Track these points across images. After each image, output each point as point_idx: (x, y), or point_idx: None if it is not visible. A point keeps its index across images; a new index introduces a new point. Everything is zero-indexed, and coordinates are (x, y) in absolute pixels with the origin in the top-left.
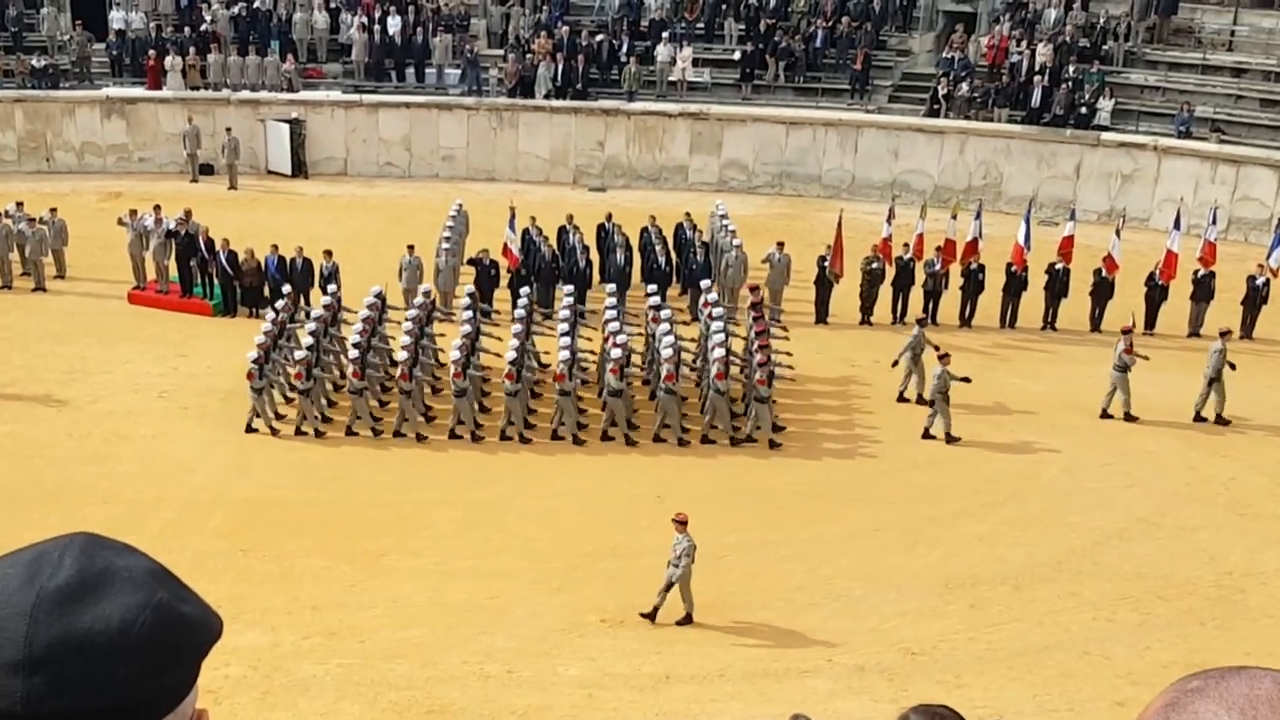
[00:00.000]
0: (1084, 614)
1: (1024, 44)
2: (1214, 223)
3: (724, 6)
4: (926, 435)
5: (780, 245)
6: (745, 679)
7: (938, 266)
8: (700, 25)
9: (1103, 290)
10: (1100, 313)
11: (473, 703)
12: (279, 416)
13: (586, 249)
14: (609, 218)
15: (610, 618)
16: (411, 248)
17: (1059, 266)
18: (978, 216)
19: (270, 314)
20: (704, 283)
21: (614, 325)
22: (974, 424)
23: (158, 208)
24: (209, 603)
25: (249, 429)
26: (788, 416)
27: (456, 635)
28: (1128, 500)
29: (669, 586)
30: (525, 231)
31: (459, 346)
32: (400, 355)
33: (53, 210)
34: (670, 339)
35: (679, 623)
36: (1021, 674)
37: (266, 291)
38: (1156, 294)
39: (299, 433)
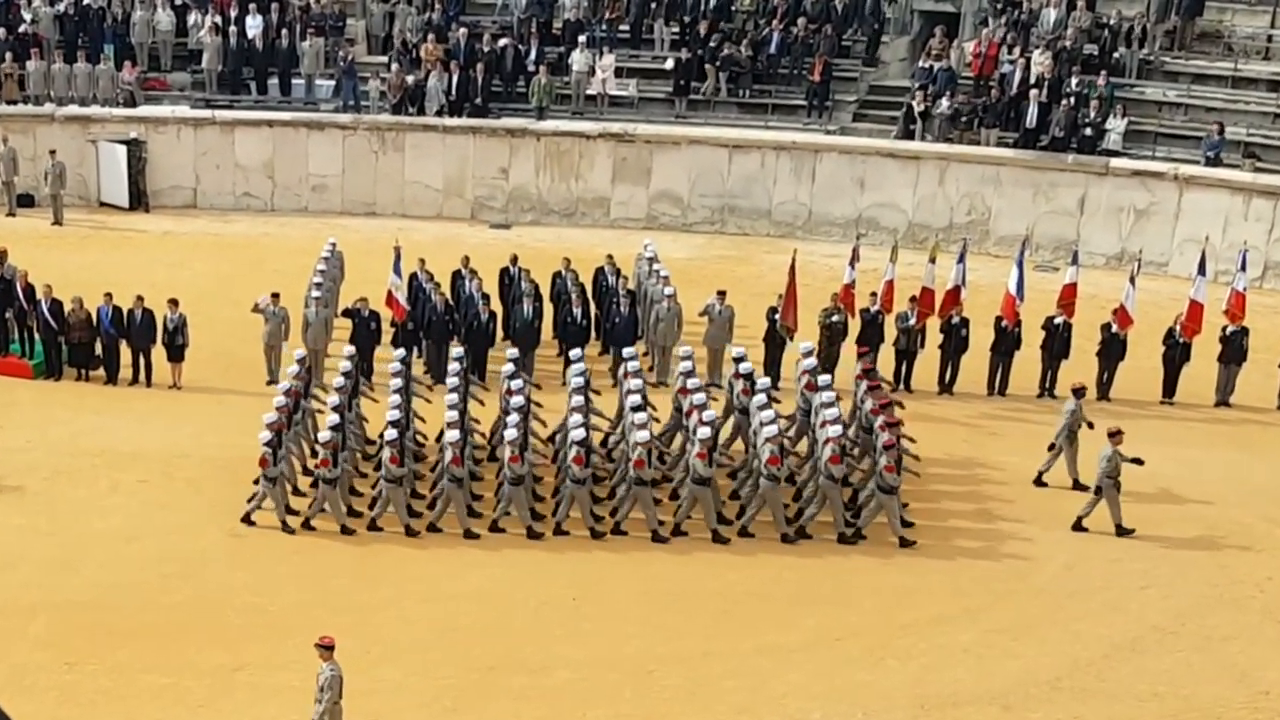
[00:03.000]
0: None
1: (1017, 51)
2: (1243, 268)
3: (653, 5)
4: (1079, 527)
5: (721, 295)
6: None
7: (912, 321)
8: (625, 28)
9: (1113, 349)
10: (1110, 376)
11: None
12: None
13: (487, 298)
14: (514, 261)
15: None
16: (275, 296)
17: (1059, 320)
18: (960, 260)
19: (283, 384)
20: (683, 349)
21: (579, 399)
22: (958, 511)
23: None
24: None
25: (247, 520)
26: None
27: None
28: (1142, 604)
29: None
30: (413, 276)
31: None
32: (324, 435)
33: None
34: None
35: None
36: None
37: (98, 349)
38: (1177, 354)
39: (307, 526)
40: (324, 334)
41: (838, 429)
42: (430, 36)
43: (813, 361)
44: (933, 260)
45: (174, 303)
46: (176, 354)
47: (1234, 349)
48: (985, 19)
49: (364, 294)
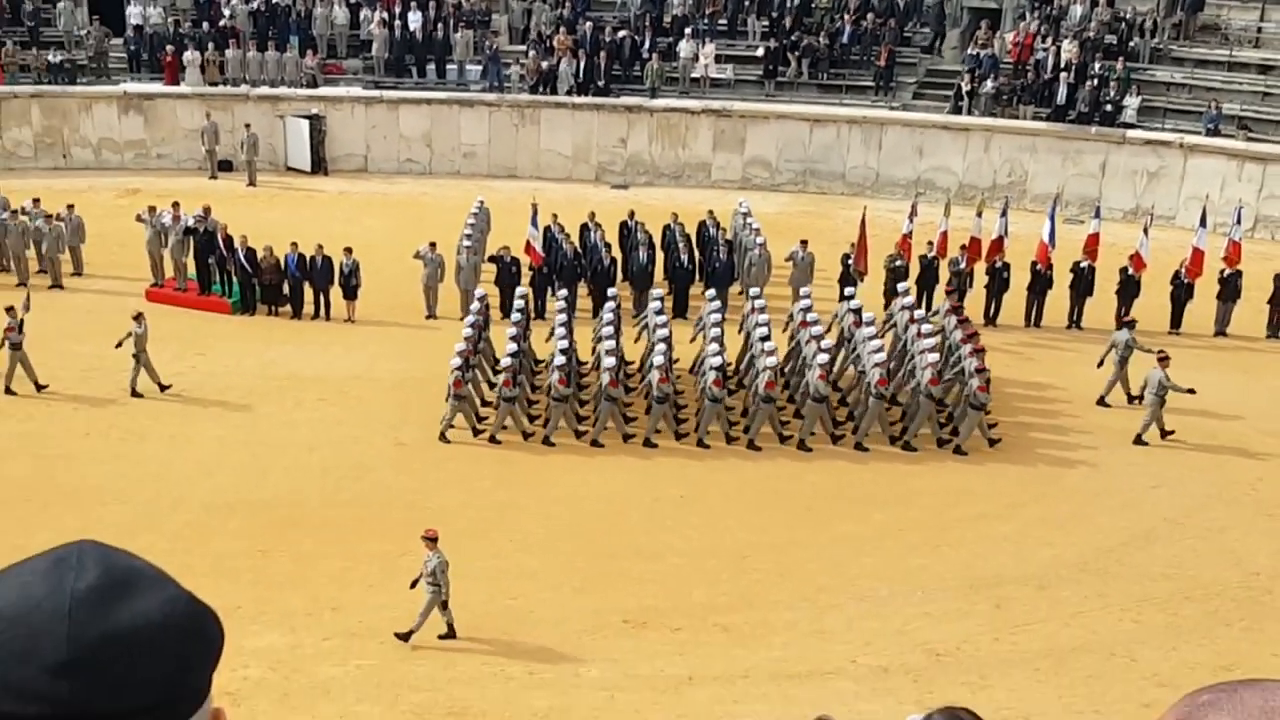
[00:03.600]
0: (1110, 615)
1: (1049, 41)
2: (1239, 221)
3: (747, 3)
4: (1139, 441)
5: (804, 243)
6: (769, 680)
7: (962, 265)
8: (723, 22)
9: (1129, 289)
10: (1126, 311)
11: (493, 704)
12: (480, 420)
13: (609, 247)
14: (631, 215)
15: (633, 619)
16: (433, 245)
17: (1084, 265)
18: (1003, 214)
19: (469, 318)
20: (753, 290)
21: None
22: (999, 425)
23: (176, 205)
24: (228, 612)
25: (443, 437)
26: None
27: (478, 636)
28: (1154, 501)
29: (430, 608)
30: (547, 229)
31: (512, 353)
32: (505, 360)
33: (69, 207)
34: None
35: (399, 635)
36: (1047, 675)
37: (285, 289)
38: (1182, 293)
39: (494, 440)
40: (473, 277)
41: (935, 356)
42: (561, 29)
43: (910, 299)
44: (979, 214)
45: (349, 251)
46: (351, 293)
47: (1230, 288)
48: (1023, 14)
49: (506, 243)
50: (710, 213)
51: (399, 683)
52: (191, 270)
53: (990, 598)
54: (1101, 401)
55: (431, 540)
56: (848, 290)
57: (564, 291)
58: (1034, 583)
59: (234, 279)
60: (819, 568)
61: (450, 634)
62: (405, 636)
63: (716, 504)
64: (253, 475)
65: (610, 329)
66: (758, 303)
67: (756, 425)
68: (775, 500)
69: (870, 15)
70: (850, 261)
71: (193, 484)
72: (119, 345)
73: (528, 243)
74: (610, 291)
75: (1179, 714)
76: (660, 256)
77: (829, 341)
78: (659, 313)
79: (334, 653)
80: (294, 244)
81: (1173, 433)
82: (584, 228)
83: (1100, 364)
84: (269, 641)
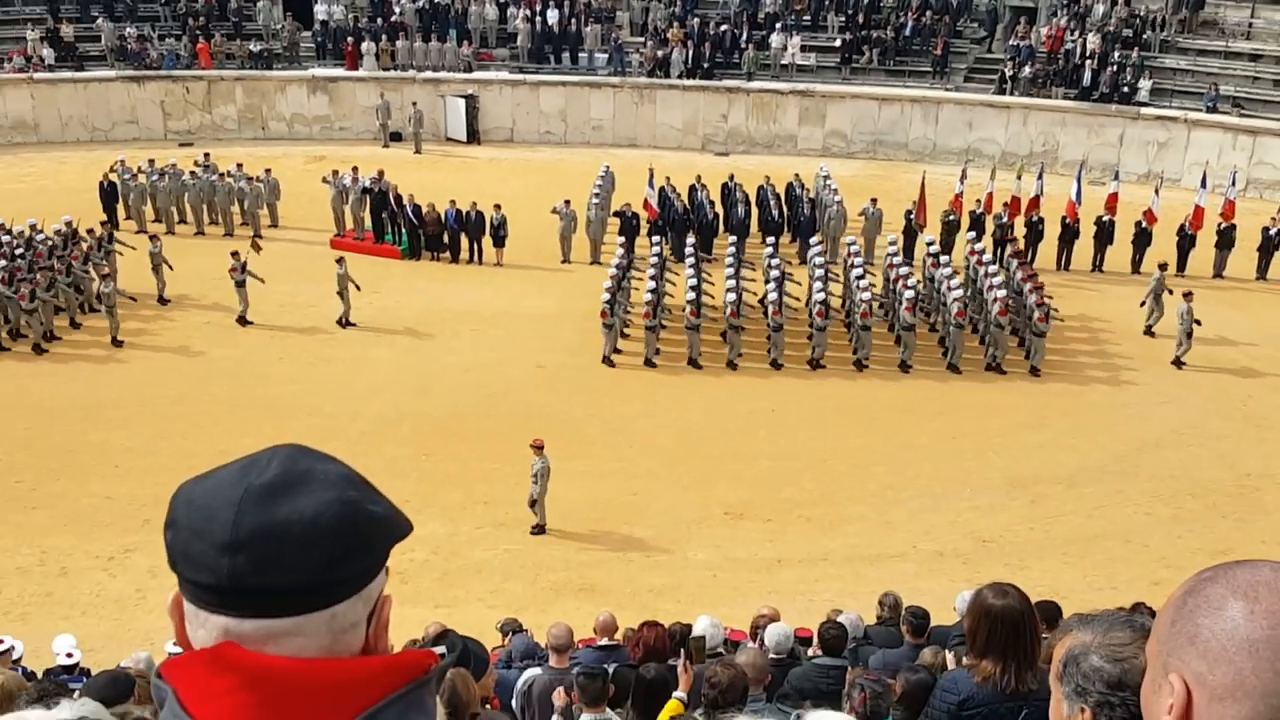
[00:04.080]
0: (1126, 509)
1: (1077, 33)
2: (1234, 184)
3: (827, 2)
4: (1178, 363)
5: (874, 201)
6: (844, 562)
7: (1005, 219)
8: (807, 17)
9: (1142, 239)
10: (1140, 257)
11: (616, 582)
12: (616, 351)
13: (712, 204)
14: (731, 177)
15: (732, 511)
16: (568, 202)
17: (1105, 219)
18: (1039, 177)
19: (615, 259)
20: (849, 239)
21: (858, 270)
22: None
23: (355, 169)
24: (398, 505)
25: (606, 361)
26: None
27: (604, 526)
28: (1162, 415)
29: (534, 502)
30: (661, 189)
31: (652, 290)
32: (646, 296)
33: (267, 170)
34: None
35: (534, 530)
36: (1074, 559)
37: (445, 239)
38: (1186, 242)
39: (648, 363)
40: (600, 228)
41: (1003, 291)
42: (674, 23)
43: (980, 246)
44: (1019, 177)
45: (498, 207)
46: (499, 242)
47: (1225, 239)
48: (1055, 11)
49: (628, 200)
50: (796, 175)
51: (539, 564)
52: (368, 223)
53: (1027, 494)
54: (1148, 331)
55: (538, 448)
56: (927, 238)
57: (693, 240)
58: (1063, 482)
59: (403, 230)
60: (885, 469)
61: (540, 529)
62: (539, 529)
63: (800, 416)
64: (418, 392)
65: (732, 270)
66: (853, 249)
67: (866, 349)
68: (849, 413)
69: (929, 12)
70: (912, 216)
71: (369, 399)
72: (347, 290)
73: (645, 200)
74: (731, 240)
75: (1186, 587)
76: (755, 212)
77: (915, 279)
78: (773, 257)
79: (485, 539)
80: (452, 201)
81: (1184, 364)
82: (692, 188)
83: (1143, 303)
84: (432, 530)
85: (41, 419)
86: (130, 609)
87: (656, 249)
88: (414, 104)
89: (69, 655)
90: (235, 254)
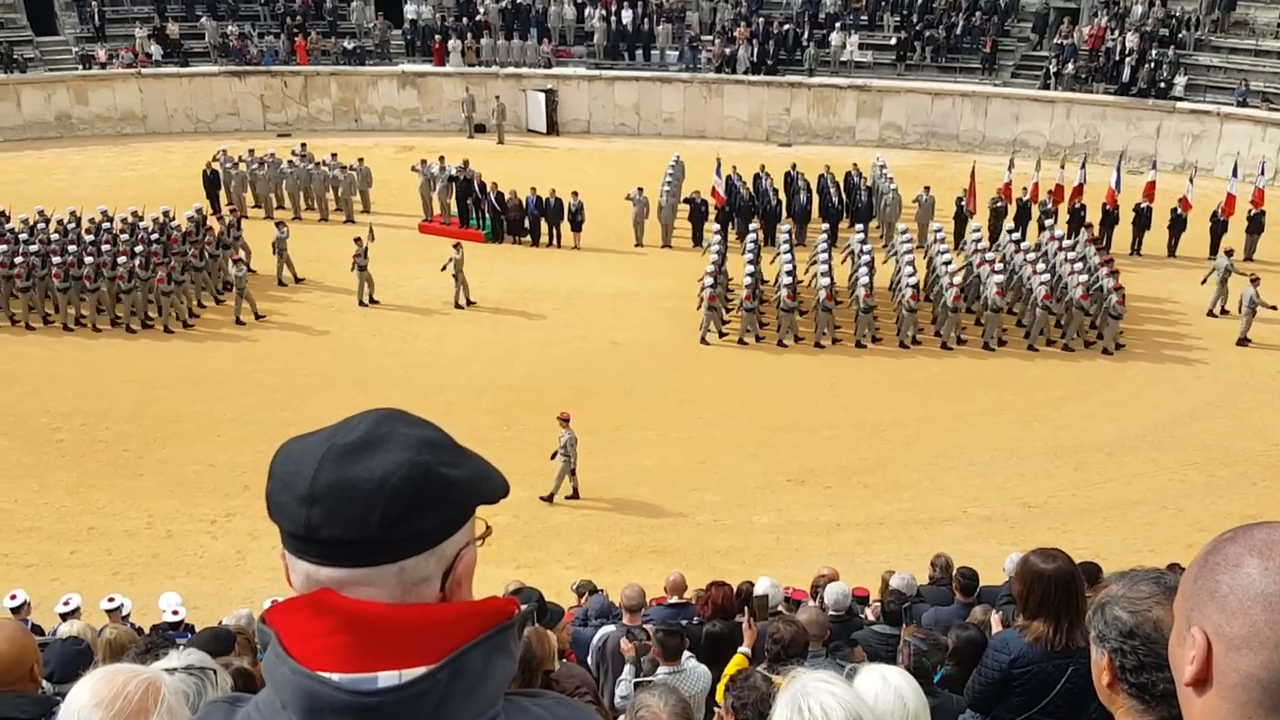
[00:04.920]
0: (1162, 476)
1: (1117, 33)
2: (1263, 173)
3: (884, 2)
4: (1243, 341)
5: (927, 189)
6: (899, 526)
7: (1049, 205)
8: (865, 17)
9: (1177, 224)
10: (1175, 242)
11: (686, 544)
12: (721, 334)
13: (776, 191)
14: (794, 166)
15: (794, 478)
16: (640, 189)
17: (1144, 206)
18: (1082, 167)
19: (714, 244)
20: (932, 225)
21: (909, 254)
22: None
23: (442, 158)
24: (493, 468)
25: (704, 341)
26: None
27: (674, 491)
28: (1197, 388)
29: (562, 474)
30: (728, 178)
31: (751, 274)
32: (747, 280)
33: (360, 159)
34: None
35: (543, 498)
36: (1114, 523)
37: (526, 223)
38: (1219, 227)
39: (741, 343)
40: (671, 214)
41: (1084, 276)
42: (740, 22)
43: (1060, 232)
44: (1062, 167)
45: (575, 194)
46: (577, 227)
47: (1256, 224)
48: (1096, 11)
49: (697, 188)
50: (854, 165)
51: (613, 527)
52: (454, 208)
53: (1070, 462)
54: (1211, 314)
55: (564, 421)
56: (1008, 225)
57: (786, 227)
58: (1104, 450)
59: (487, 215)
60: (938, 439)
61: (575, 495)
62: (548, 498)
63: (860, 388)
64: (501, 365)
65: (824, 254)
66: (938, 234)
67: (949, 329)
68: (904, 386)
69: (979, 12)
70: (963, 203)
71: (455, 372)
72: (444, 269)
73: (713, 188)
74: (824, 226)
75: (1209, 547)
76: (815, 199)
77: (1000, 265)
78: (863, 243)
79: (562, 504)
80: (533, 188)
81: (1250, 341)
82: (757, 176)
83: (1204, 282)
84: (513, 495)
85: (148, 391)
86: (231, 569)
87: (752, 234)
88: (497, 97)
89: (174, 612)
90: (358, 240)
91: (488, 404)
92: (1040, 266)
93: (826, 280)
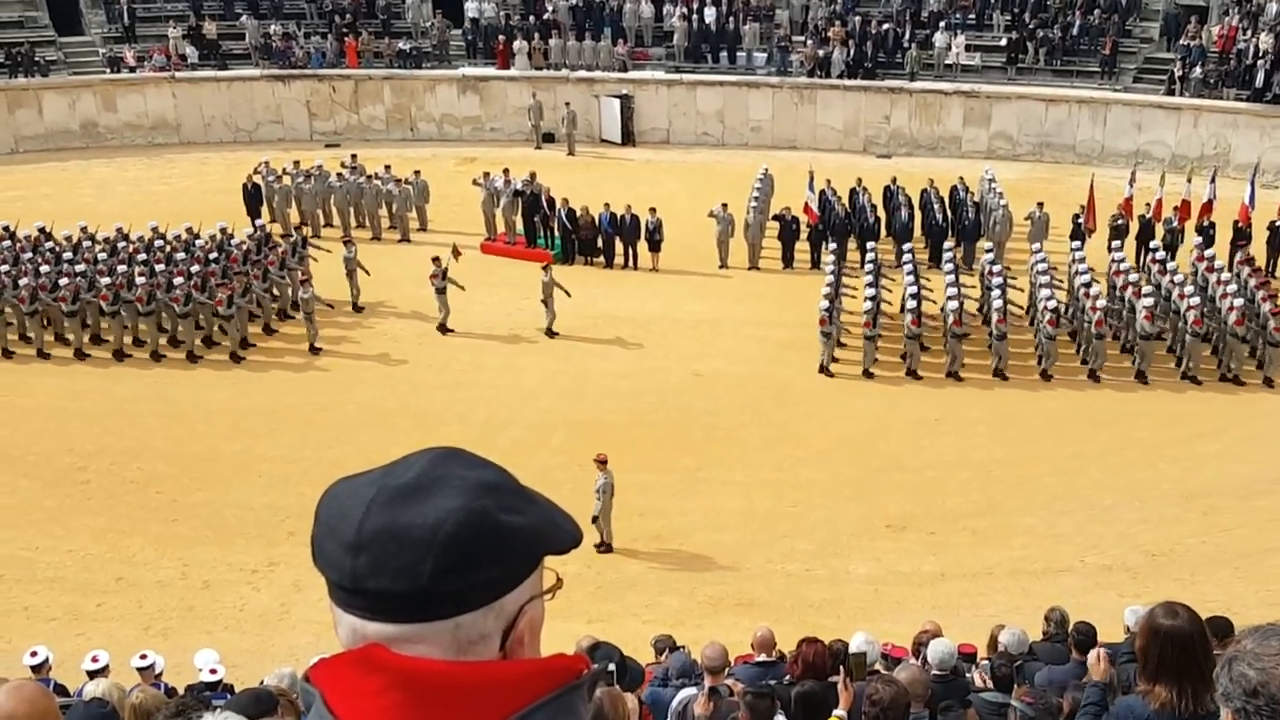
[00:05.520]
0: None
1: (1249, 33)
2: None
3: (993, 0)
4: None
5: (1040, 205)
6: (1009, 576)
7: (1175, 223)
8: (972, 16)
9: None
10: None
11: (776, 596)
12: (834, 360)
13: (874, 207)
14: (894, 180)
15: (895, 523)
16: (725, 205)
17: (1279, 224)
18: (1211, 180)
19: (830, 266)
20: (1034, 246)
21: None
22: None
23: (506, 170)
24: (563, 515)
25: (824, 370)
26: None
27: (762, 538)
28: None
29: (595, 519)
30: (822, 192)
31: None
32: (866, 305)
33: (416, 172)
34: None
35: (599, 547)
36: (1247, 573)
37: (599, 242)
38: None
39: (867, 374)
40: (759, 233)
41: (1240, 300)
42: (835, 21)
43: (1210, 252)
44: (1189, 181)
45: (653, 210)
46: (655, 246)
47: None
48: (1226, 10)
49: (787, 204)
50: (960, 179)
51: (695, 577)
52: (519, 227)
53: (1199, 506)
54: None
55: (601, 463)
56: (1153, 243)
57: (909, 246)
58: (1237, 493)
59: (556, 234)
60: (1053, 480)
61: (605, 547)
62: (606, 548)
63: (967, 424)
64: (572, 399)
65: (952, 277)
66: (1079, 254)
67: (1101, 358)
68: (1016, 421)
69: (1097, 10)
70: (1080, 220)
71: (521, 406)
72: (553, 294)
73: (805, 204)
74: (946, 245)
75: None
76: (918, 216)
77: (1149, 288)
78: (993, 263)
79: (640, 552)
80: (606, 204)
81: None
82: (853, 191)
83: None
84: (585, 541)
85: (183, 427)
86: (274, 624)
87: (872, 254)
88: (567, 104)
89: (212, 671)
90: (436, 260)
91: (557, 442)
92: (1189, 289)
93: (955, 304)
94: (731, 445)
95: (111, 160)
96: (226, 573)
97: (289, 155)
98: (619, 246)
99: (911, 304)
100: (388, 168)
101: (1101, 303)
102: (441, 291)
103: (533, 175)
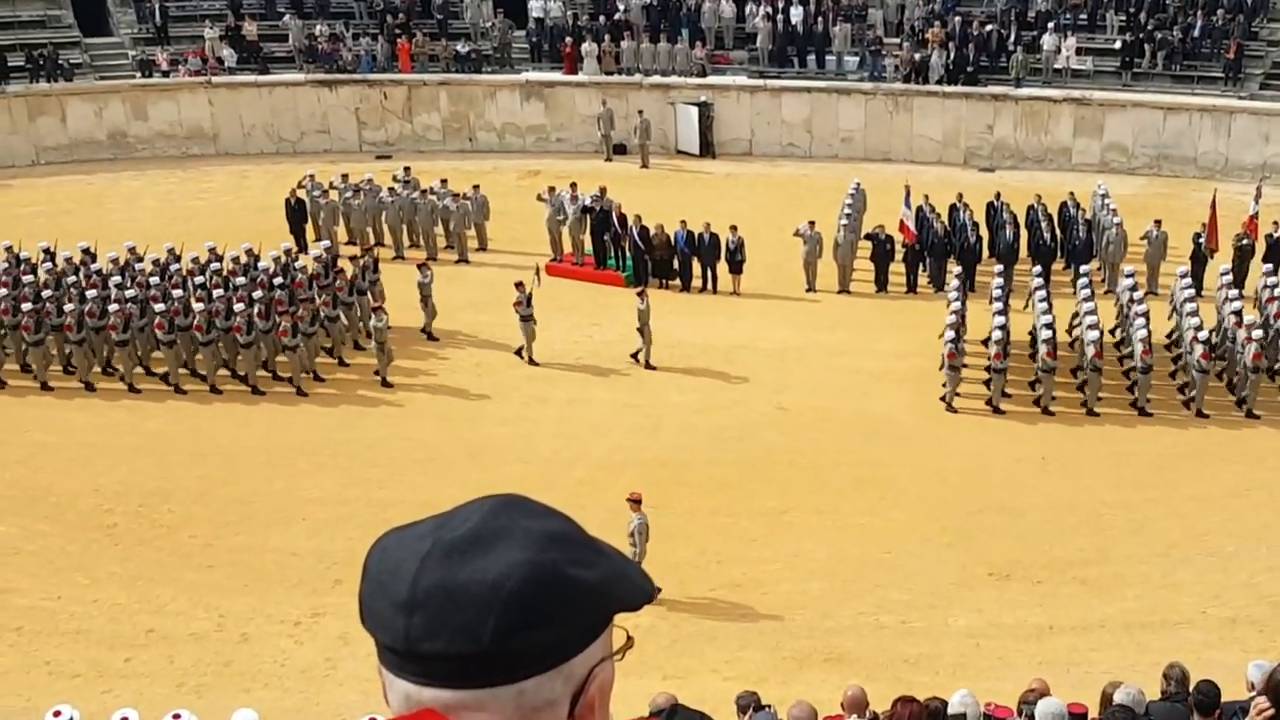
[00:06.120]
0: None
1: None
2: None
3: None
4: None
5: (1158, 223)
6: (1123, 630)
7: None
8: (1083, 17)
9: None
10: None
11: (867, 651)
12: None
13: (976, 225)
14: (997, 196)
15: (998, 571)
16: (812, 223)
17: None
18: None
19: (954, 293)
20: (1126, 268)
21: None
22: None
23: (574, 185)
24: (635, 568)
25: (950, 408)
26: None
27: (853, 588)
28: None
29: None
30: (919, 209)
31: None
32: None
33: (475, 187)
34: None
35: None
36: None
37: (675, 264)
38: None
39: (997, 411)
40: (850, 253)
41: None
42: (934, 22)
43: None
44: None
45: (734, 228)
46: (736, 268)
47: None
48: None
49: (881, 222)
50: (1071, 194)
51: (780, 630)
52: (587, 246)
53: None
54: None
55: (635, 503)
56: (1265, 267)
57: (1038, 269)
58: None
59: (627, 254)
60: (1170, 524)
61: None
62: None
63: (1076, 463)
64: (644, 435)
65: (1090, 304)
66: (1226, 278)
67: (1253, 395)
68: (1129, 461)
69: (1220, 10)
70: (1201, 240)
71: (588, 443)
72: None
73: (901, 221)
74: (1083, 269)
75: None
76: (1024, 235)
77: (1252, 318)
78: (1133, 289)
79: (719, 603)
80: (683, 222)
81: None
82: (953, 208)
83: None
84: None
85: (219, 466)
86: (319, 681)
87: (1000, 280)
88: (640, 112)
89: None
90: (519, 285)
91: (628, 482)
92: (1249, 319)
93: (1095, 334)
94: (819, 486)
95: (141, 173)
96: (266, 625)
97: (336, 168)
98: (696, 268)
99: (1046, 334)
100: (444, 181)
101: (1258, 333)
102: (526, 319)
103: (602, 190)
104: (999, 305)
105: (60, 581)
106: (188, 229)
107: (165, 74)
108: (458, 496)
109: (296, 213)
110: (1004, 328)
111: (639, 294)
